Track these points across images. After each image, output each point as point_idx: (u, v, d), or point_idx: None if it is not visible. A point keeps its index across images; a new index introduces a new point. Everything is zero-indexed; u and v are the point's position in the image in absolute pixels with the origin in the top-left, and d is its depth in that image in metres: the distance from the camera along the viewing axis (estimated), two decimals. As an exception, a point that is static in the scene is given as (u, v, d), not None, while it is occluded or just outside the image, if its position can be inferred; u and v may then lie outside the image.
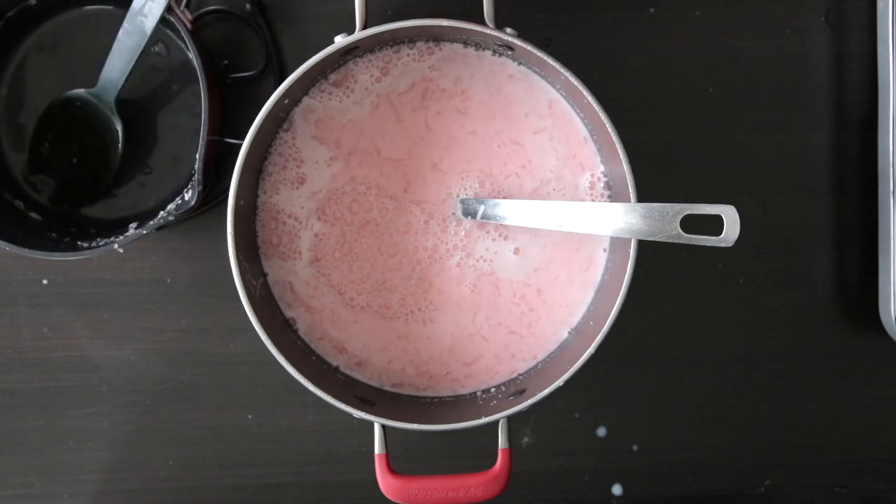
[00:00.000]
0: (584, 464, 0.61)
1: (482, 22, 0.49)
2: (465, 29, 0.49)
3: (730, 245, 0.43)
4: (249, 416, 0.60)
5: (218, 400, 0.60)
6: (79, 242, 0.54)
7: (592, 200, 0.53)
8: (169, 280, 0.59)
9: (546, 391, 0.49)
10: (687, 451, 0.61)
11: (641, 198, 0.48)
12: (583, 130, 0.53)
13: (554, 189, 0.54)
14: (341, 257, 0.54)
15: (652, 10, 0.59)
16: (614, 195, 0.53)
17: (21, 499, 0.60)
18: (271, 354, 0.49)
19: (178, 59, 0.57)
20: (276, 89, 0.49)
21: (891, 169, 0.57)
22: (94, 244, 0.53)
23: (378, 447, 0.50)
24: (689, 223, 0.44)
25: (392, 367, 0.54)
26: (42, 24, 0.56)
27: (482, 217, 0.52)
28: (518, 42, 0.48)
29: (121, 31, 0.52)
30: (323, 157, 0.54)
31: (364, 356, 0.54)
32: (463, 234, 0.53)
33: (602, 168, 0.53)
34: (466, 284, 0.54)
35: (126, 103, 0.56)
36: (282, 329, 0.53)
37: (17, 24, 0.55)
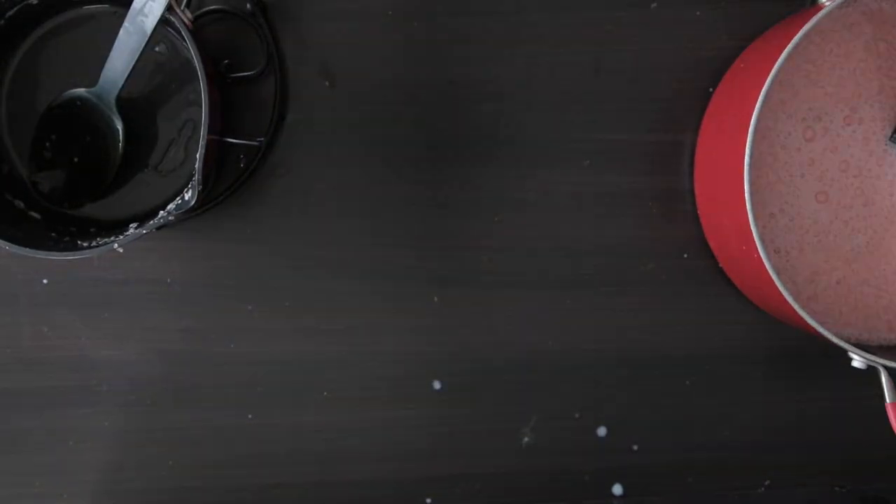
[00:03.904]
0: (584, 464, 0.61)
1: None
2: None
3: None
4: (249, 416, 0.60)
5: (218, 400, 0.60)
6: (79, 242, 0.54)
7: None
8: (169, 280, 0.59)
9: None
10: (687, 451, 0.61)
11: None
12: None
13: None
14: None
15: (654, 5, 0.59)
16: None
17: (21, 499, 0.60)
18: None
19: (178, 59, 0.57)
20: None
21: (893, 169, 0.57)
22: (94, 244, 0.53)
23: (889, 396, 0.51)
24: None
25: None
26: (42, 24, 0.56)
27: None
28: None
29: (121, 31, 0.52)
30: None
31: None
32: None
33: None
34: None
35: (126, 103, 0.56)
36: None
37: (17, 23, 0.55)
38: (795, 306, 0.48)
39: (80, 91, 0.55)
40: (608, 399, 0.60)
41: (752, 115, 0.48)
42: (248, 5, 0.57)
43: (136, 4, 0.51)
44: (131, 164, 0.57)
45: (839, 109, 0.55)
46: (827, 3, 0.48)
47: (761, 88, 0.47)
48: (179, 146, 0.57)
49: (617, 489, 0.61)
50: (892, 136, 0.54)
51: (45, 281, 0.59)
